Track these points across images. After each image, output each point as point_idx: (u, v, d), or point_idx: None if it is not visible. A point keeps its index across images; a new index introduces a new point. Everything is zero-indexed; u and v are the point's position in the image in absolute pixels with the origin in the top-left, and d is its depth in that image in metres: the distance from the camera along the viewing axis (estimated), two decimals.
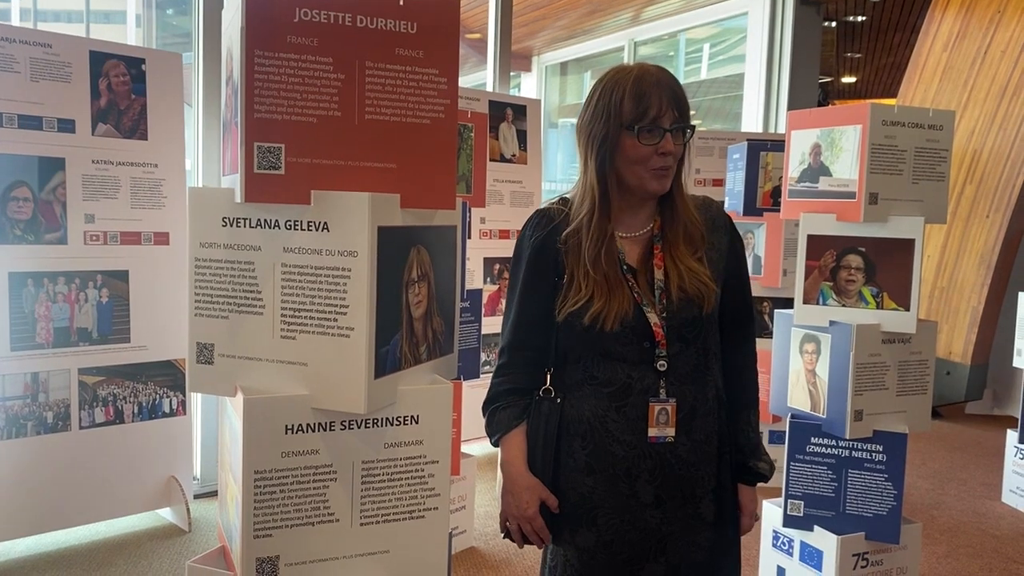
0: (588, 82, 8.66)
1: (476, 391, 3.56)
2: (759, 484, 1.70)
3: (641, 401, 1.55)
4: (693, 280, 1.56)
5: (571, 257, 1.58)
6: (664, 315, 1.55)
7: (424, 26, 1.38)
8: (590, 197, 1.57)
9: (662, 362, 1.55)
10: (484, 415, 1.67)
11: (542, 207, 1.68)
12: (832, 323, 2.63)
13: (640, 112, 1.50)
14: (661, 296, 1.56)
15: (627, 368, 1.55)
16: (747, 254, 2.93)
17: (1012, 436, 4.24)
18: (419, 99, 1.39)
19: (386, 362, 1.37)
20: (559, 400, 1.60)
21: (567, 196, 1.66)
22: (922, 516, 3.91)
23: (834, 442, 2.69)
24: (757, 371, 1.73)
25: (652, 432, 1.55)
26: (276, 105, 1.31)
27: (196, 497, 3.75)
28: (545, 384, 1.62)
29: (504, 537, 1.68)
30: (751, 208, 4.08)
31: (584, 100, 1.61)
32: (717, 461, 1.62)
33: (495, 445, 1.67)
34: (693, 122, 1.56)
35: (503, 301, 4.51)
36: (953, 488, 4.44)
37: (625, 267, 1.58)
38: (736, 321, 1.67)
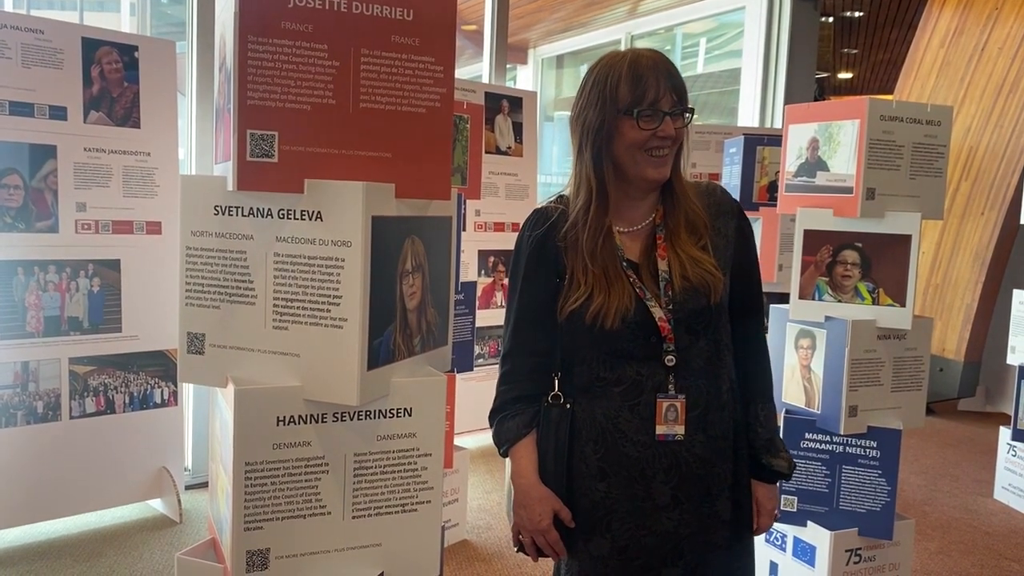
0: None
1: (470, 384, 3.57)
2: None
3: (654, 399, 1.48)
4: (696, 269, 1.49)
5: (570, 254, 1.52)
6: (670, 308, 1.48)
7: (421, 14, 1.36)
8: (586, 188, 1.51)
9: (670, 357, 1.48)
10: (491, 425, 1.61)
11: (539, 206, 1.62)
12: (828, 319, 2.62)
13: (638, 96, 1.44)
14: (666, 288, 1.50)
15: (636, 365, 1.49)
16: None
17: (1004, 433, 4.24)
18: (415, 87, 1.37)
19: (379, 354, 1.36)
20: (568, 405, 1.54)
21: (564, 194, 1.60)
22: (915, 512, 3.92)
23: (828, 438, 2.69)
24: (769, 361, 1.65)
25: (660, 430, 1.48)
26: (270, 92, 1.29)
27: (187, 488, 3.73)
28: (553, 390, 1.55)
29: (517, 551, 1.61)
30: (747, 203, 4.05)
31: (577, 89, 1.55)
32: (733, 457, 1.56)
33: (504, 456, 1.60)
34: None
35: (497, 294, 4.51)
36: (946, 484, 4.44)
37: (625, 262, 1.52)
38: (744, 308, 1.60)
